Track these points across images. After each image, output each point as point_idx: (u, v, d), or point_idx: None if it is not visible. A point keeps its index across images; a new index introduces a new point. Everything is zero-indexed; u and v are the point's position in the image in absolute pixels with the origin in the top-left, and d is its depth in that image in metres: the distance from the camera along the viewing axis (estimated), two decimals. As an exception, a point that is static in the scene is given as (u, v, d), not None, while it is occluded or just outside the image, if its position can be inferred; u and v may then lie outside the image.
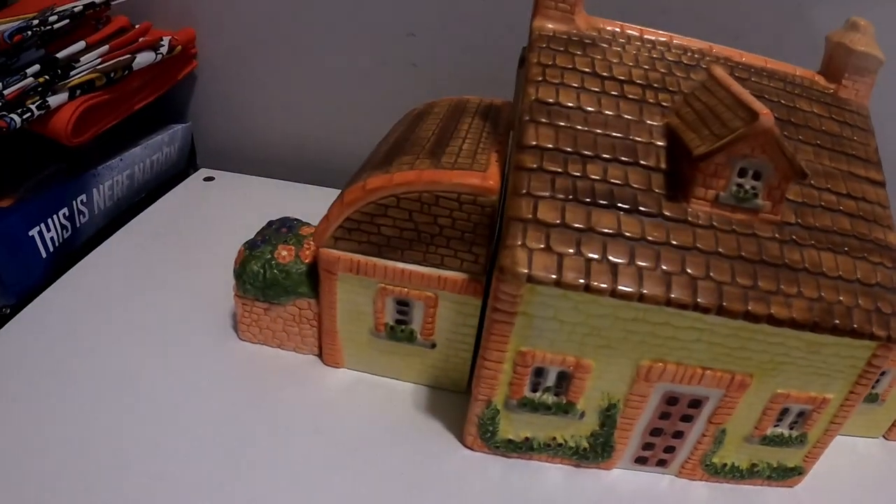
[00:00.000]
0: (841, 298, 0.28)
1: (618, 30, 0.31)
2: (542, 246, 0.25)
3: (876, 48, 0.33)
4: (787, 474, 0.33)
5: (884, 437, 0.40)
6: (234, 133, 0.56)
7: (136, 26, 0.46)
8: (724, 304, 0.25)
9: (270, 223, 0.38)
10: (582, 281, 0.25)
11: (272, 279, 0.34)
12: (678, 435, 0.31)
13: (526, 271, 0.25)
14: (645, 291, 0.25)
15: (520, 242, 0.25)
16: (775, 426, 0.31)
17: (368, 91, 0.51)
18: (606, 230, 0.26)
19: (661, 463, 0.32)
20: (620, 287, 0.25)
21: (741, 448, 0.32)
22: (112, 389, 0.32)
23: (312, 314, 0.35)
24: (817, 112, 0.32)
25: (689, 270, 0.26)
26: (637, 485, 0.32)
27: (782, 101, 0.32)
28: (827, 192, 0.30)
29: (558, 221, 0.26)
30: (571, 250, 0.25)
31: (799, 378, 0.29)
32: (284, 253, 0.35)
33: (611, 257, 0.25)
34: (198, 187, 0.53)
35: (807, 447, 0.32)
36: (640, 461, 0.32)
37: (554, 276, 0.25)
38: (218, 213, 0.49)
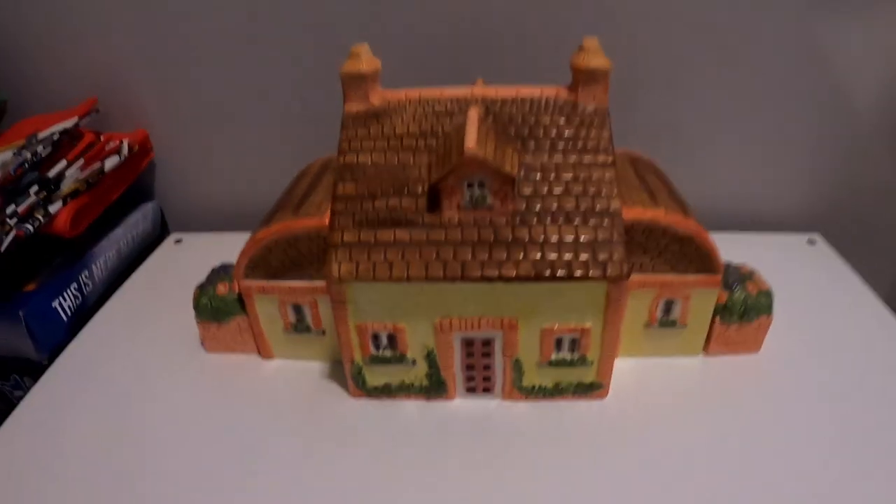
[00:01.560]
0: (565, 256, 0.48)
1: (402, 97, 0.53)
2: (347, 258, 0.48)
3: (601, 60, 0.52)
4: (588, 389, 0.54)
5: (704, 352, 0.59)
6: (192, 201, 0.83)
7: (101, 138, 0.72)
8: (466, 273, 0.47)
9: (214, 269, 0.62)
10: (371, 274, 0.47)
11: (216, 307, 0.59)
12: (487, 367, 0.52)
13: (337, 275, 0.47)
14: (411, 275, 0.47)
15: (334, 259, 0.48)
16: (558, 353, 0.52)
17: (284, 149, 0.76)
18: (386, 241, 0.48)
19: (487, 390, 0.54)
20: (395, 275, 0.47)
21: (540, 372, 0.52)
22: (128, 397, 0.57)
23: (247, 325, 0.59)
24: (557, 121, 0.52)
25: (441, 257, 0.47)
26: (473, 408, 0.53)
27: (525, 120, 0.52)
28: (556, 183, 0.50)
29: (356, 241, 0.48)
30: (365, 257, 0.48)
31: (555, 316, 0.50)
32: (222, 288, 0.59)
33: (389, 258, 0.47)
34: (170, 249, 0.79)
35: (593, 366, 0.52)
36: (471, 390, 0.54)
37: (354, 275, 0.47)
38: (186, 266, 0.74)
